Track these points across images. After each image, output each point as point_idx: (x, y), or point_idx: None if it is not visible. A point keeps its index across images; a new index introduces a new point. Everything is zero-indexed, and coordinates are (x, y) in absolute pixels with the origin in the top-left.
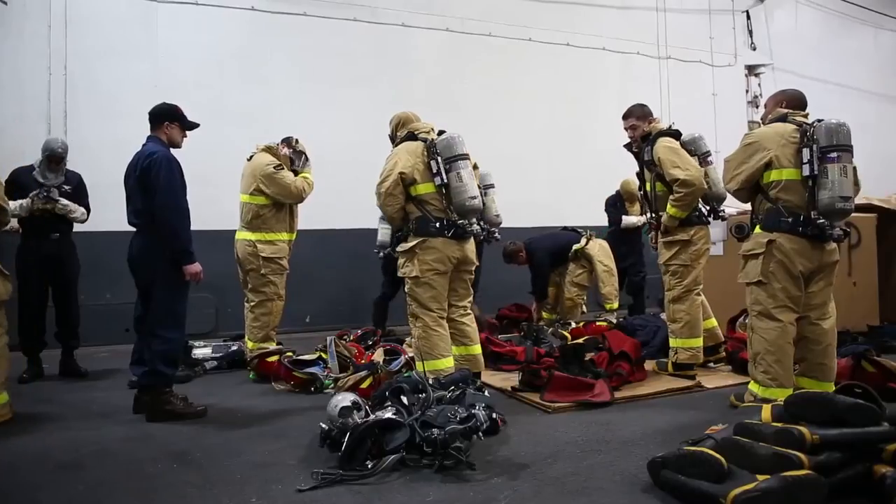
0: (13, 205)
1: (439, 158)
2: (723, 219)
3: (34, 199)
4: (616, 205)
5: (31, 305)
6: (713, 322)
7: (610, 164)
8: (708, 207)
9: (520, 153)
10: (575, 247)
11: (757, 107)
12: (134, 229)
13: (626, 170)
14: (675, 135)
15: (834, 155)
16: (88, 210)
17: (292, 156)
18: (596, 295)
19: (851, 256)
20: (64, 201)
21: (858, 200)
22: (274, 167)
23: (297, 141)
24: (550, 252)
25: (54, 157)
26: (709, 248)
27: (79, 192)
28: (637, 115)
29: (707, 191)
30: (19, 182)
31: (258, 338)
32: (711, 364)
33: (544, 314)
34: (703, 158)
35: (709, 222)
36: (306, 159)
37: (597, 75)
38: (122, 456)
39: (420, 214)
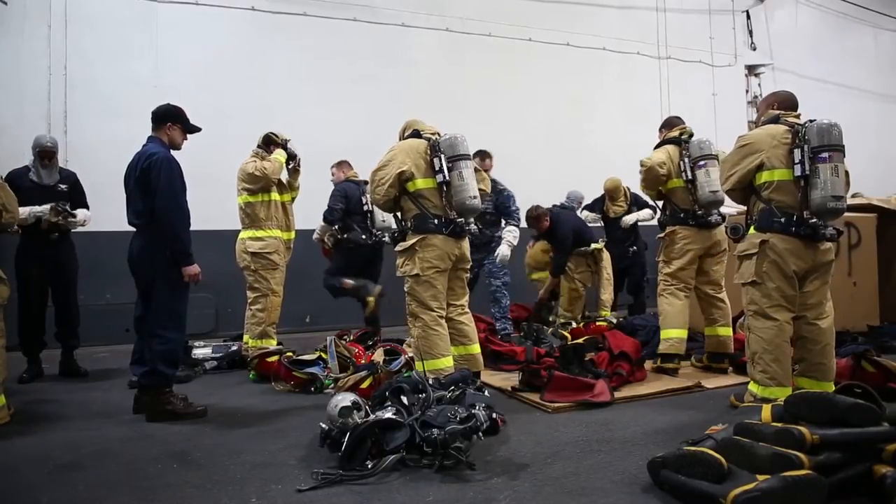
0: (23, 211)
1: (442, 156)
2: (708, 225)
3: (52, 212)
4: (594, 206)
5: (32, 306)
6: (726, 331)
7: (610, 164)
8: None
9: (520, 153)
10: (594, 246)
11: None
12: (134, 229)
13: (626, 169)
14: (678, 142)
15: (825, 155)
16: (88, 208)
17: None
18: (595, 297)
19: (851, 256)
20: (79, 217)
21: (859, 200)
22: (245, 163)
23: (275, 135)
24: (574, 230)
25: (45, 152)
26: (692, 249)
27: (75, 192)
28: (660, 128)
29: (696, 194)
30: (15, 184)
31: (255, 334)
32: (711, 365)
33: (561, 317)
34: (695, 163)
35: (693, 224)
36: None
37: (597, 75)
38: (122, 456)
39: (418, 212)
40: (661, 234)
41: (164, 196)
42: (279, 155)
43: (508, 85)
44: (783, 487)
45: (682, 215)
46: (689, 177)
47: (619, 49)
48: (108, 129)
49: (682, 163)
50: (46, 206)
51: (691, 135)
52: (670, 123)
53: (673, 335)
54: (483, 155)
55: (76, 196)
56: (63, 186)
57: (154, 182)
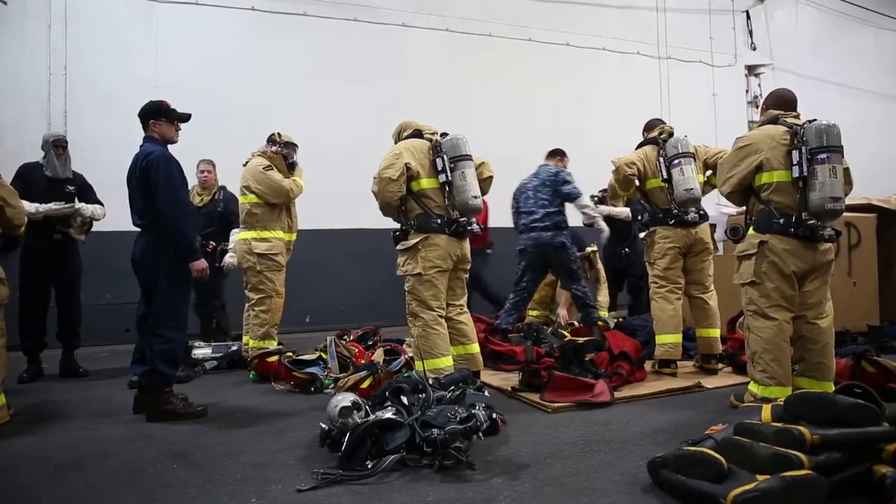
0: (30, 207)
1: (445, 157)
2: (685, 223)
3: (73, 227)
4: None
5: (34, 305)
6: (714, 332)
7: (610, 165)
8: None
9: (520, 153)
10: (588, 249)
11: (757, 107)
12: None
13: None
14: (656, 142)
15: (823, 156)
16: (101, 205)
17: (284, 151)
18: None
19: (851, 256)
20: (87, 210)
21: (858, 200)
22: (263, 168)
23: (279, 135)
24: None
25: (60, 142)
26: (672, 248)
27: (85, 192)
28: (642, 129)
29: (673, 193)
30: (26, 178)
31: (258, 335)
32: (700, 367)
33: (533, 312)
34: (669, 163)
35: (671, 223)
36: (295, 147)
37: (597, 75)
38: (122, 456)
39: (421, 211)
40: (643, 235)
41: (164, 194)
42: (300, 176)
43: (508, 85)
44: (783, 487)
45: (660, 215)
46: (666, 176)
47: (619, 49)
48: (109, 128)
49: (658, 162)
50: (51, 205)
51: (671, 134)
52: (651, 125)
53: (668, 340)
54: (562, 154)
55: (86, 197)
56: (71, 188)
57: (154, 181)
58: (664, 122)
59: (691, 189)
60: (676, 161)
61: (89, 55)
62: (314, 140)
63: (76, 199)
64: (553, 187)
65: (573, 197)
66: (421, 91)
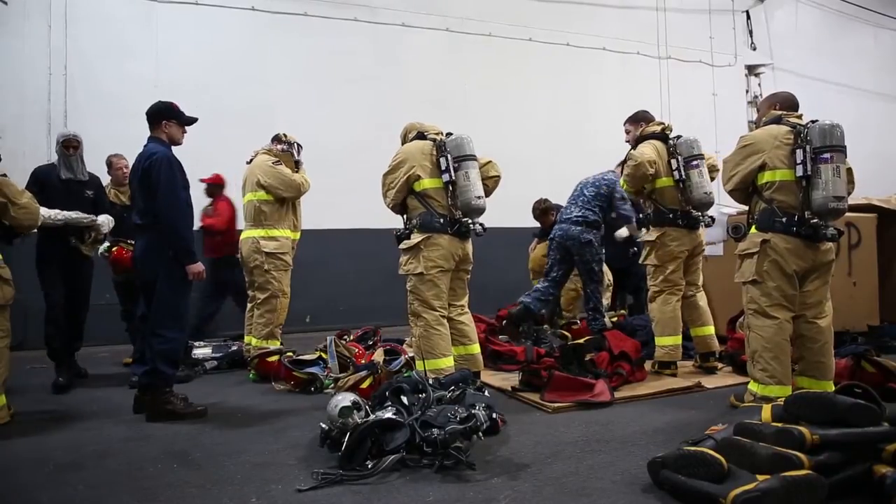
0: (45, 213)
1: (449, 156)
2: (697, 226)
3: (86, 243)
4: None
5: (59, 309)
6: (709, 330)
7: (610, 165)
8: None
9: (520, 153)
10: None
11: (757, 107)
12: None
13: None
14: (664, 138)
15: (827, 156)
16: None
17: (290, 149)
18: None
19: (851, 256)
20: (104, 228)
21: (858, 200)
22: (272, 162)
23: (285, 135)
24: None
25: (69, 142)
26: (683, 250)
27: (101, 196)
28: (631, 120)
29: (689, 194)
30: (43, 180)
31: (262, 335)
32: (699, 366)
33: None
34: (687, 163)
35: (682, 225)
36: (300, 147)
37: (597, 75)
38: (122, 456)
39: (424, 210)
40: (651, 238)
41: (164, 195)
42: (305, 174)
43: (508, 85)
44: (783, 487)
45: (670, 216)
46: (681, 176)
47: (619, 49)
48: (109, 129)
49: (673, 161)
50: (73, 213)
51: (671, 130)
52: (646, 118)
53: (668, 342)
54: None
55: (101, 201)
56: (89, 192)
57: (154, 182)
58: (652, 115)
59: (710, 192)
60: (695, 162)
61: (89, 55)
62: (314, 139)
63: (94, 209)
64: (608, 196)
65: (624, 219)
66: (421, 91)
